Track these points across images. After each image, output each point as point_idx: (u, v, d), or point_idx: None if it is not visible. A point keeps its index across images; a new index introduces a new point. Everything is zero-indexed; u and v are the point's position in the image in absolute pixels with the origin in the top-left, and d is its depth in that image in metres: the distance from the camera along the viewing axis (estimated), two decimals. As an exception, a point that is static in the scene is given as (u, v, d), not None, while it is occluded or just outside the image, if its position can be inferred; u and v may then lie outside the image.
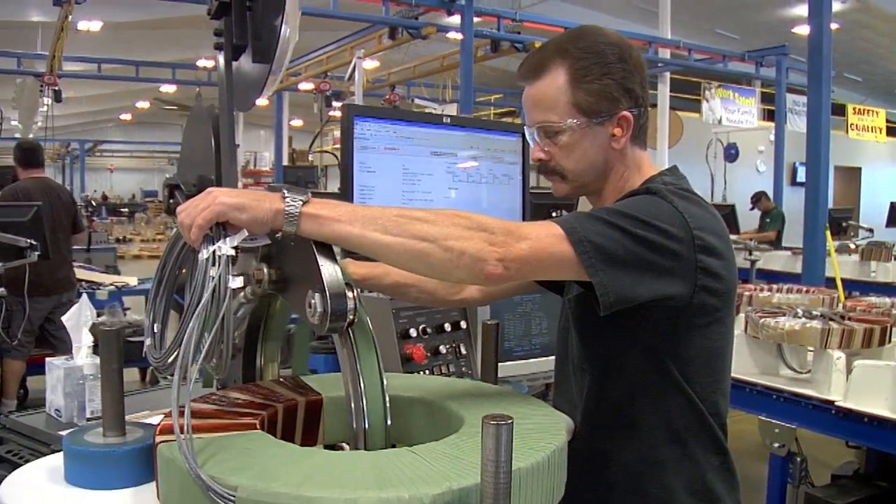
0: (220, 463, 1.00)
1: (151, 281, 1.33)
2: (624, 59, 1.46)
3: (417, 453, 1.03)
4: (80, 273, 6.57)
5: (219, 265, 1.11)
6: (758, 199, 11.05)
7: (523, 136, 2.06)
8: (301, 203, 1.16)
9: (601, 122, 1.46)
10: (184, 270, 1.34)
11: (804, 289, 4.25)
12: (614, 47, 1.46)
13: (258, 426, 1.16)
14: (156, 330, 1.26)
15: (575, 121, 1.45)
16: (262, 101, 1.82)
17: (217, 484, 0.95)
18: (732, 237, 8.41)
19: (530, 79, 1.50)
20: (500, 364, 1.70)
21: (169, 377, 1.12)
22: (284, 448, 1.07)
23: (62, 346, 5.30)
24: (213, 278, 1.10)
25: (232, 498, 0.93)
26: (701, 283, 1.35)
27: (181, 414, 1.02)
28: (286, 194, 1.17)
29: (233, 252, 1.13)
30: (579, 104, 1.44)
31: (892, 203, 9.81)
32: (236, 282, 1.14)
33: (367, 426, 1.15)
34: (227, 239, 1.14)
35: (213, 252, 1.12)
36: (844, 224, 9.29)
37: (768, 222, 10.74)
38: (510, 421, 0.83)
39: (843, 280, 6.95)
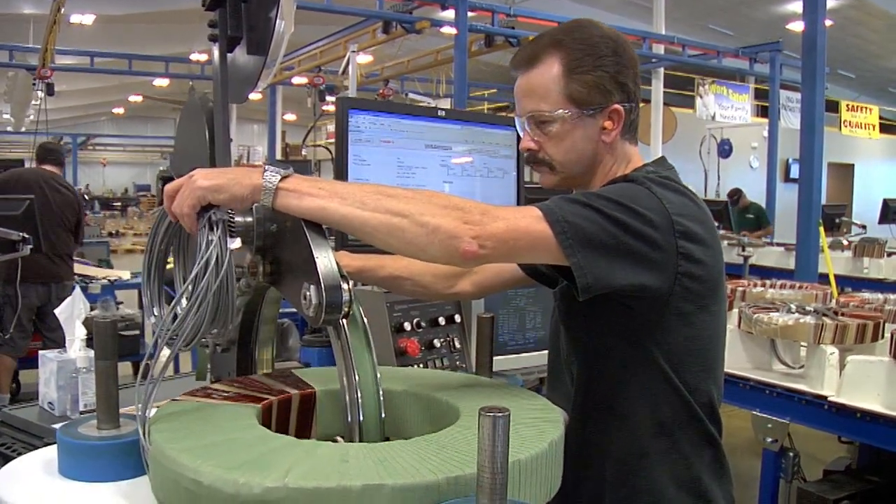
0: (165, 420, 1.12)
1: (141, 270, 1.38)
2: (618, 53, 1.46)
3: (326, 446, 1.02)
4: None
5: (217, 229, 1.16)
6: (737, 196, 11.12)
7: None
8: (279, 178, 1.18)
9: (592, 114, 1.45)
10: (170, 261, 1.36)
11: (797, 285, 4.24)
12: (609, 41, 1.46)
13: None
14: (156, 312, 1.31)
15: (566, 111, 1.44)
16: (255, 96, 1.81)
17: (146, 435, 1.08)
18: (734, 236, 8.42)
19: (524, 68, 1.49)
20: (494, 358, 1.70)
21: (181, 349, 1.16)
22: (234, 422, 1.11)
23: (54, 345, 5.28)
24: (213, 242, 1.14)
25: (148, 449, 1.06)
26: (682, 269, 1.34)
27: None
28: (266, 169, 1.19)
29: (226, 216, 1.19)
30: (572, 95, 1.44)
31: (884, 200, 9.82)
32: (236, 242, 1.18)
33: (360, 419, 1.15)
34: (217, 210, 1.18)
35: (209, 219, 1.17)
36: (837, 220, 9.30)
37: (752, 218, 10.81)
38: (507, 412, 0.82)
39: (836, 276, 6.97)
